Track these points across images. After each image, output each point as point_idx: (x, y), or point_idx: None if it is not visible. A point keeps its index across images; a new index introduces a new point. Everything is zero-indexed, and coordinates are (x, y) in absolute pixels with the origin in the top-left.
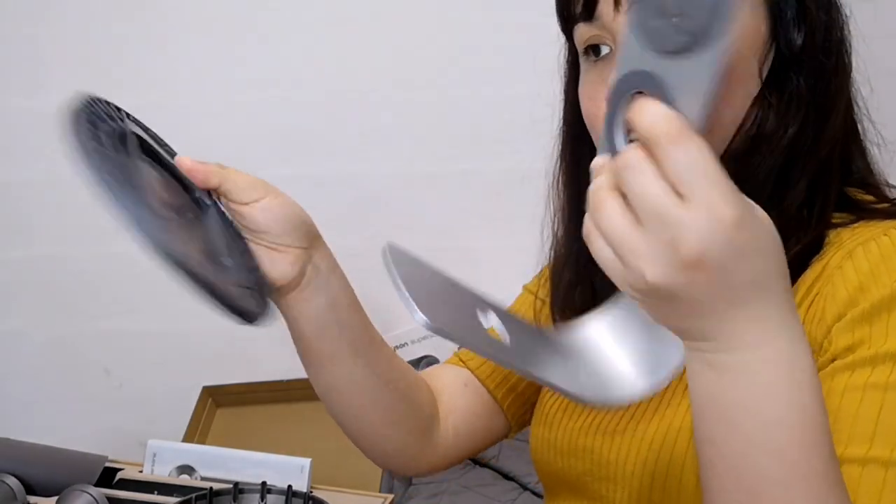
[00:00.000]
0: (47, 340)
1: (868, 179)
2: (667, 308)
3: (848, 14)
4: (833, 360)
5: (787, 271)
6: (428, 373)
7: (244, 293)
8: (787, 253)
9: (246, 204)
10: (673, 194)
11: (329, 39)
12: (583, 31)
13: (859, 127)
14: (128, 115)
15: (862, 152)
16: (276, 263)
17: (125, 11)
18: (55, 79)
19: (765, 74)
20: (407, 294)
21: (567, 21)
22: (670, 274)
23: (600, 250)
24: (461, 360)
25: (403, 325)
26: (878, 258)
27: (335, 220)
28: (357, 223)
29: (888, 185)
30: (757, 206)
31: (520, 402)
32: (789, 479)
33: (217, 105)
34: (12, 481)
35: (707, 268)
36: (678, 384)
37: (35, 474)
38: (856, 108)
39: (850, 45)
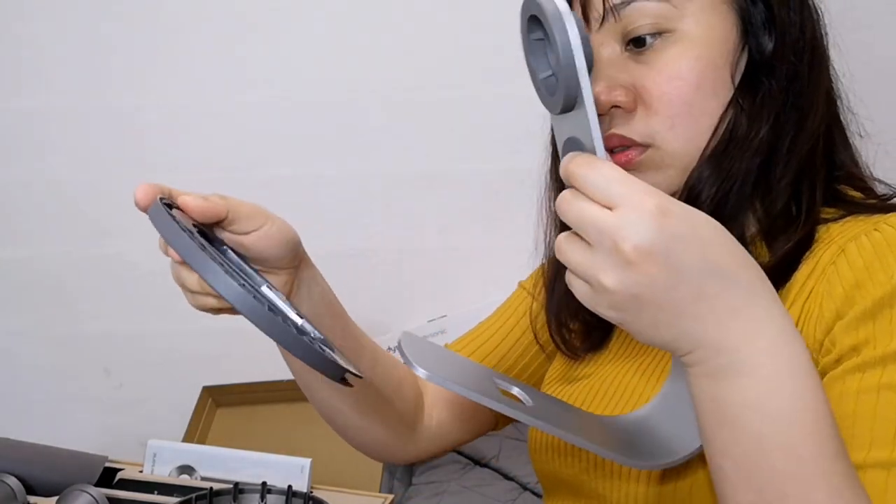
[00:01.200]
0: (47, 340)
1: (853, 172)
2: (643, 317)
3: (823, 10)
4: (839, 360)
5: (751, 262)
6: None
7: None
8: (777, 250)
9: (248, 234)
10: (602, 208)
11: (329, 39)
12: None
13: (841, 120)
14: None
15: (846, 144)
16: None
17: (125, 12)
18: (55, 79)
19: (737, 80)
20: (407, 353)
21: None
22: (625, 274)
23: (573, 283)
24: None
25: (399, 326)
26: (871, 254)
27: (335, 220)
28: (357, 223)
29: (874, 178)
30: (688, 206)
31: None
32: (800, 472)
33: (217, 105)
34: (12, 481)
35: (653, 257)
36: None
37: (35, 474)
38: (837, 102)
39: (825, 40)
